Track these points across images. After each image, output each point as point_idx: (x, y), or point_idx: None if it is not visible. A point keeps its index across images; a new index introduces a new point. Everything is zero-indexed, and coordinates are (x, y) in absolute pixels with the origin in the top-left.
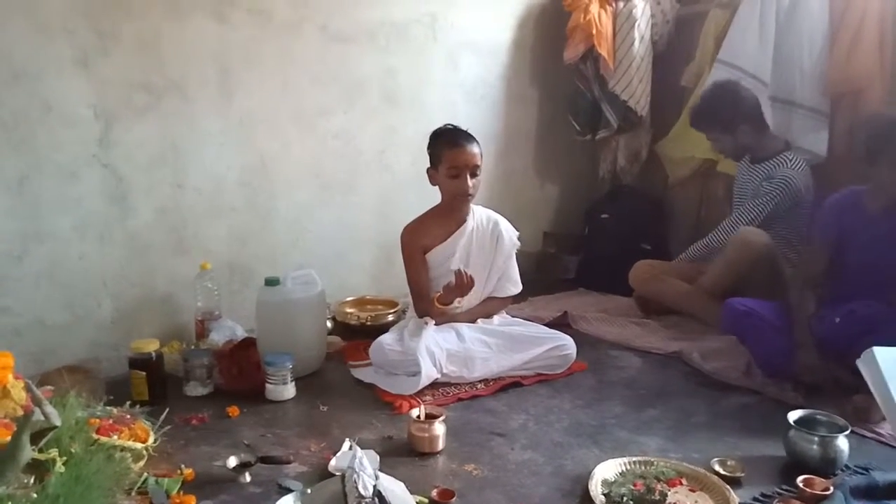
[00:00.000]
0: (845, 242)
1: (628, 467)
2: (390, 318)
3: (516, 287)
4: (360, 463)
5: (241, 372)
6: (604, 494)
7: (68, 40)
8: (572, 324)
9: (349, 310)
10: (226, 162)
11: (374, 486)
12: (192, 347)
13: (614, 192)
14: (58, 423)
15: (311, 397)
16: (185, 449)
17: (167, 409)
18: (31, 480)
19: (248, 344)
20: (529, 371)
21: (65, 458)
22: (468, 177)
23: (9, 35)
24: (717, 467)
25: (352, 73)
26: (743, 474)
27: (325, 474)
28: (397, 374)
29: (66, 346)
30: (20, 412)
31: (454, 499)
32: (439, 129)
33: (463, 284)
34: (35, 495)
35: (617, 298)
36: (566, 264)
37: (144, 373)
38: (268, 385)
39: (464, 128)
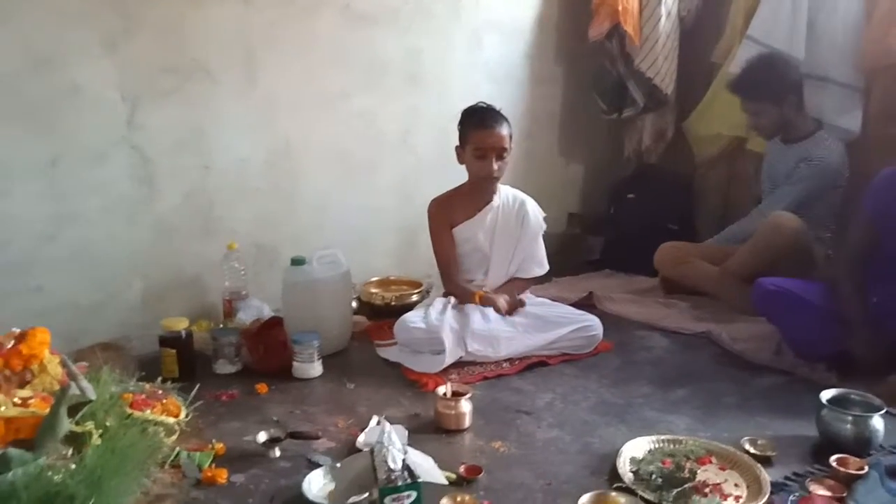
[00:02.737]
0: (891, 222)
1: (657, 445)
2: (414, 298)
3: (542, 268)
4: (388, 437)
5: (268, 350)
6: (632, 472)
7: (94, 24)
8: (598, 304)
9: (374, 290)
10: (251, 144)
11: (403, 460)
12: (221, 326)
13: (640, 171)
14: (93, 396)
15: (338, 375)
16: (215, 424)
17: (198, 386)
18: (70, 452)
19: (275, 323)
20: (555, 351)
21: (100, 431)
22: (494, 159)
23: (35, 20)
24: (747, 446)
25: (374, 53)
26: (774, 454)
27: (354, 450)
28: (422, 353)
29: (98, 326)
30: (56, 386)
31: (481, 475)
32: (470, 107)
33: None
34: (73, 466)
35: (643, 279)
36: (591, 245)
37: (175, 350)
38: (295, 363)
39: None
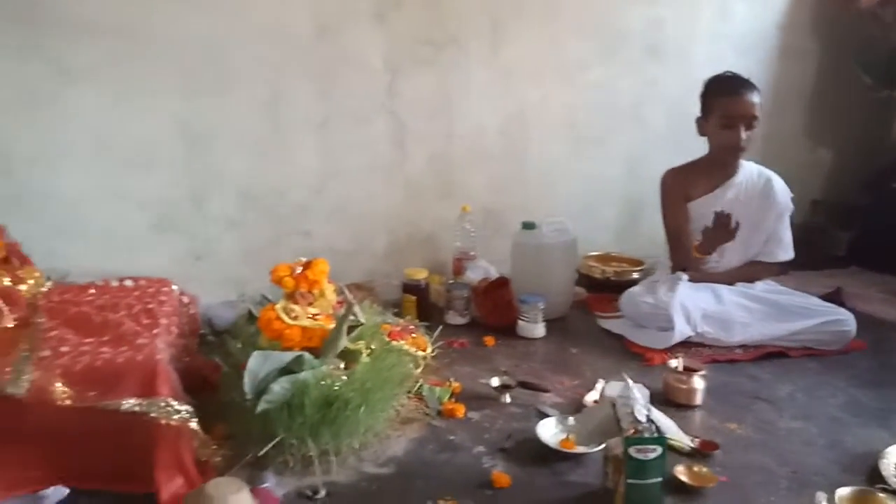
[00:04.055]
0: None
1: None
2: (635, 275)
3: (786, 253)
4: (633, 392)
5: (495, 307)
6: None
7: None
8: (847, 301)
9: (593, 263)
10: (490, 112)
11: (648, 415)
12: (452, 281)
13: None
14: (364, 321)
15: (560, 339)
16: (450, 366)
17: (440, 327)
18: (342, 365)
19: (503, 282)
20: (796, 343)
21: (368, 352)
22: (742, 129)
23: None
24: None
25: (616, 24)
26: None
27: (580, 408)
28: (647, 328)
29: (349, 271)
30: (331, 310)
31: (717, 451)
32: (716, 75)
33: (726, 227)
34: (345, 377)
35: None
36: (836, 239)
37: (415, 297)
38: (520, 322)
39: None
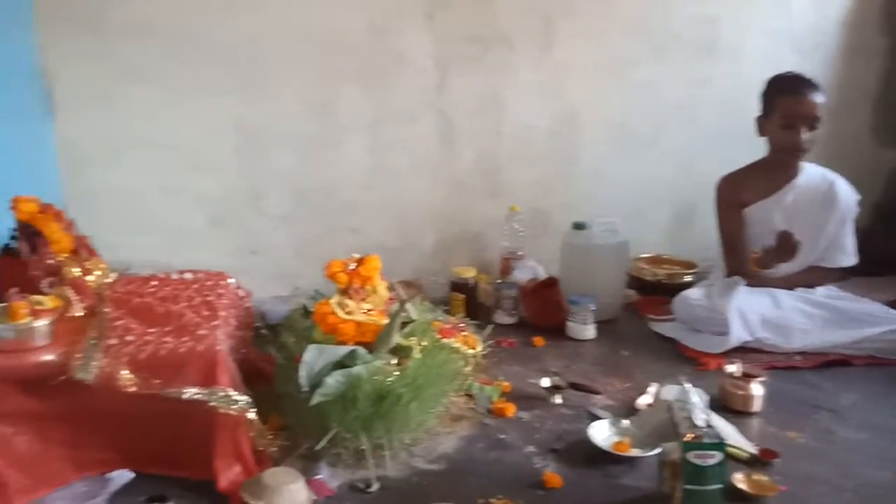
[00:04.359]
0: None
1: None
2: (687, 278)
3: (849, 258)
4: (691, 396)
5: (543, 307)
6: None
7: None
8: None
9: (644, 265)
10: (539, 111)
11: (707, 420)
12: (500, 281)
13: None
14: (416, 318)
15: (611, 342)
16: (498, 365)
17: (491, 326)
18: (395, 361)
19: (552, 283)
20: (860, 351)
21: (420, 348)
22: (804, 129)
23: None
24: None
25: (668, 22)
26: None
27: (632, 412)
28: (701, 332)
29: (397, 267)
30: (384, 306)
31: (777, 460)
32: (778, 74)
33: (789, 248)
34: (397, 373)
35: None
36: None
37: (463, 296)
38: (569, 323)
39: None
